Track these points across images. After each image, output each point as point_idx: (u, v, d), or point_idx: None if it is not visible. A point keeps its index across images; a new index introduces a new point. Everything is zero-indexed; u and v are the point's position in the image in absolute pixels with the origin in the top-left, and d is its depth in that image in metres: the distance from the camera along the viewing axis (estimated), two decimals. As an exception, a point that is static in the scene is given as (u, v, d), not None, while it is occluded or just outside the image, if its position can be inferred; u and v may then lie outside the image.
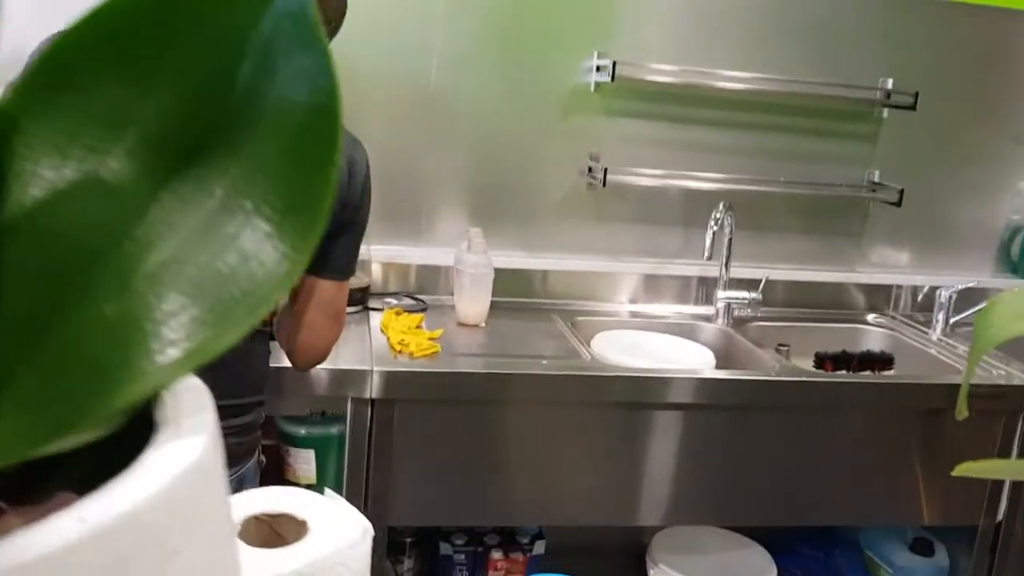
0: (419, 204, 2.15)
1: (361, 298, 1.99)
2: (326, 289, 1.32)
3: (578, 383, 1.70)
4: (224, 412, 1.13)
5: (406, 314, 1.93)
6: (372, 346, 1.75)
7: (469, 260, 1.95)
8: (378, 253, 2.10)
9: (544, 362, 1.74)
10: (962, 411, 0.48)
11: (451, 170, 2.14)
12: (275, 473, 1.82)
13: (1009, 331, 0.45)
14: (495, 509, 1.77)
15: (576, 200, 2.20)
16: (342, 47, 2.02)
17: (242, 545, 0.48)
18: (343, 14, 1.39)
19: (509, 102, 2.13)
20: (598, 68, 2.10)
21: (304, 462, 1.80)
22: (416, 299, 2.10)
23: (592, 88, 2.13)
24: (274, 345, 1.44)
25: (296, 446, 1.79)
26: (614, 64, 2.04)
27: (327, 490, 0.58)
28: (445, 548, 1.93)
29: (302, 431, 1.78)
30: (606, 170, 2.08)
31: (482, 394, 1.68)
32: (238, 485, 1.23)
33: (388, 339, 1.77)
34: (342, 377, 1.60)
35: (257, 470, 1.31)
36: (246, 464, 1.24)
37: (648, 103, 2.18)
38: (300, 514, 0.52)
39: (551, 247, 2.21)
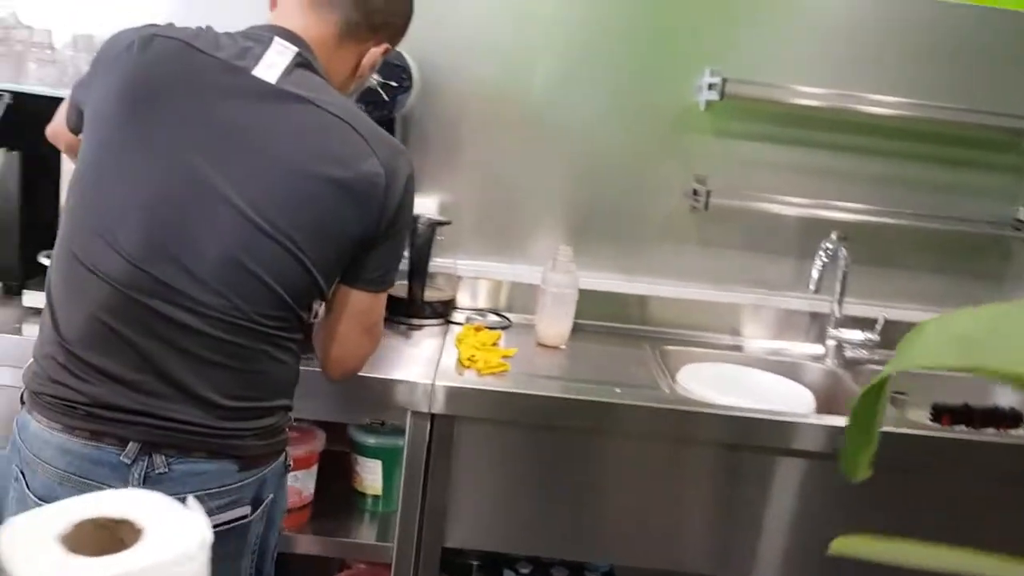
0: (515, 219, 2.10)
1: (443, 311, 1.95)
2: (359, 300, 1.29)
3: (649, 415, 1.60)
4: (244, 413, 1.10)
5: (486, 330, 1.88)
6: (441, 360, 1.71)
7: (553, 279, 1.89)
8: (467, 267, 2.07)
9: (617, 390, 1.65)
10: (857, 471, 0.38)
11: (549, 186, 2.08)
12: (344, 481, 1.81)
13: (936, 358, 0.35)
14: (561, 541, 1.68)
15: (678, 223, 2.09)
16: (442, 57, 2.03)
17: (61, 551, 0.44)
18: (404, 17, 1.36)
19: (613, 117, 2.05)
20: (710, 86, 1.99)
21: (371, 472, 1.78)
22: (502, 316, 2.04)
23: (702, 107, 2.02)
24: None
25: (364, 455, 1.78)
26: (724, 81, 1.93)
27: (190, 499, 0.53)
28: (509, 575, 1.86)
29: (370, 440, 1.76)
30: (709, 192, 1.97)
31: (545, 418, 1.60)
32: (259, 487, 1.21)
33: (459, 353, 1.72)
34: (403, 388, 1.57)
35: (283, 473, 1.29)
36: (269, 466, 1.22)
37: (760, 124, 2.05)
38: (139, 521, 0.47)
39: (649, 271, 2.11)
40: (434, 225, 1.88)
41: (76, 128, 1.24)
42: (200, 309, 1.12)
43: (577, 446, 1.62)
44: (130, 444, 1.11)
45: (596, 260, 2.09)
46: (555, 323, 1.89)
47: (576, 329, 1.96)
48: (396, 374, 1.59)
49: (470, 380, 1.62)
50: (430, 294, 1.93)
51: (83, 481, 1.11)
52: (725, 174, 2.04)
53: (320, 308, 1.29)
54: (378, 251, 1.25)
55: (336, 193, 1.16)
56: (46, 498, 1.12)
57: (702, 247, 2.11)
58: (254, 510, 1.21)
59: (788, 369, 1.96)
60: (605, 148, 2.06)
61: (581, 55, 2.02)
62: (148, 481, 1.11)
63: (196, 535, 0.47)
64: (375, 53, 1.32)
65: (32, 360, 1.18)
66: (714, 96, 1.96)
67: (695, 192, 2.05)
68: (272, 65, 1.17)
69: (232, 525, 1.18)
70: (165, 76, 1.16)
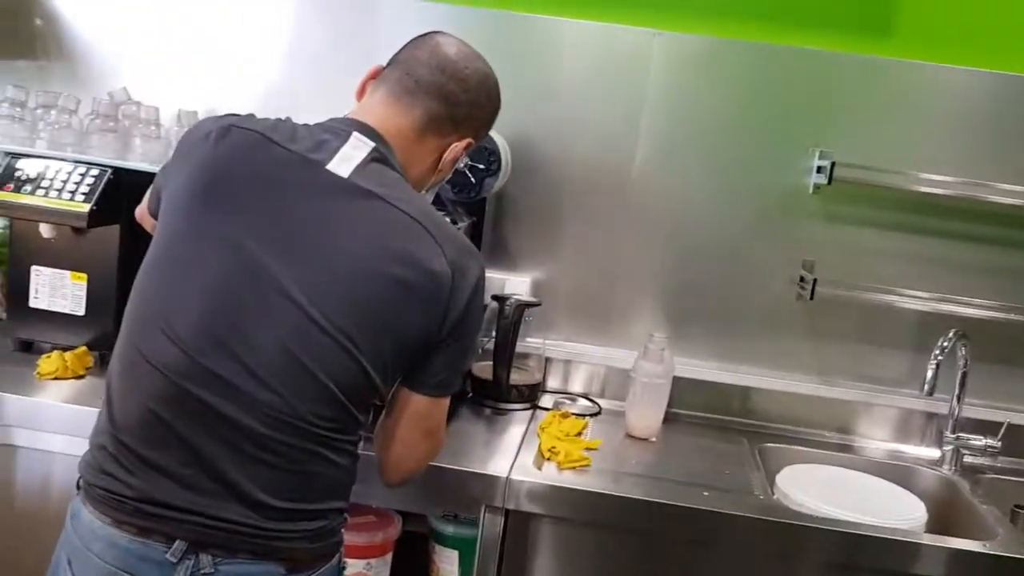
0: (610, 300, 2.03)
1: (530, 395, 1.89)
2: (420, 404, 1.24)
3: (740, 524, 1.48)
4: (293, 515, 1.04)
5: (572, 418, 1.81)
6: (521, 449, 1.64)
7: (644, 367, 1.80)
8: (559, 349, 2.00)
9: (705, 493, 1.54)
10: None
11: (646, 267, 2.01)
12: (422, 570, 1.76)
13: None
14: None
15: (783, 311, 1.98)
16: (538, 134, 1.99)
17: None
18: (489, 110, 1.34)
19: (715, 198, 1.97)
20: (818, 169, 1.89)
21: (448, 562, 1.72)
22: (592, 402, 1.96)
23: (810, 190, 1.92)
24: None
25: (442, 544, 1.72)
26: (832, 165, 1.82)
27: None
28: None
29: (448, 529, 1.70)
30: (815, 280, 1.86)
31: (624, 520, 1.51)
32: None
33: (540, 444, 1.65)
34: (477, 481, 1.51)
35: (338, 575, 1.24)
36: (319, 569, 1.17)
37: (872, 209, 1.93)
38: None
39: (749, 360, 2.00)
40: (523, 306, 1.83)
41: (155, 212, 1.25)
42: (253, 405, 1.09)
43: (659, 552, 1.52)
44: (176, 542, 1.09)
45: (694, 346, 1.99)
46: (645, 414, 1.80)
47: (670, 419, 1.86)
48: (473, 465, 1.53)
49: (548, 475, 1.54)
50: (517, 376, 1.88)
51: None
52: (834, 261, 1.92)
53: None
54: (441, 355, 1.20)
55: (399, 292, 1.13)
56: None
57: (808, 337, 1.98)
58: None
59: (899, 474, 1.80)
60: (706, 229, 1.98)
61: (683, 133, 1.96)
62: None
63: None
64: (457, 148, 1.29)
65: (88, 448, 1.17)
66: (822, 180, 1.86)
67: (801, 279, 1.93)
68: (346, 159, 1.16)
69: None
70: (238, 168, 1.16)
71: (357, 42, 1.96)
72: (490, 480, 1.50)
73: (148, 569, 1.09)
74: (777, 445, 1.86)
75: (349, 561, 1.58)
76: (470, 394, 1.88)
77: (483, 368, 1.86)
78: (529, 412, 1.87)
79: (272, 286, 1.10)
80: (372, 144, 1.19)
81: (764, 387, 1.97)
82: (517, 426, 1.78)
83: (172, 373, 1.09)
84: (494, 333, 1.82)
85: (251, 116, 1.22)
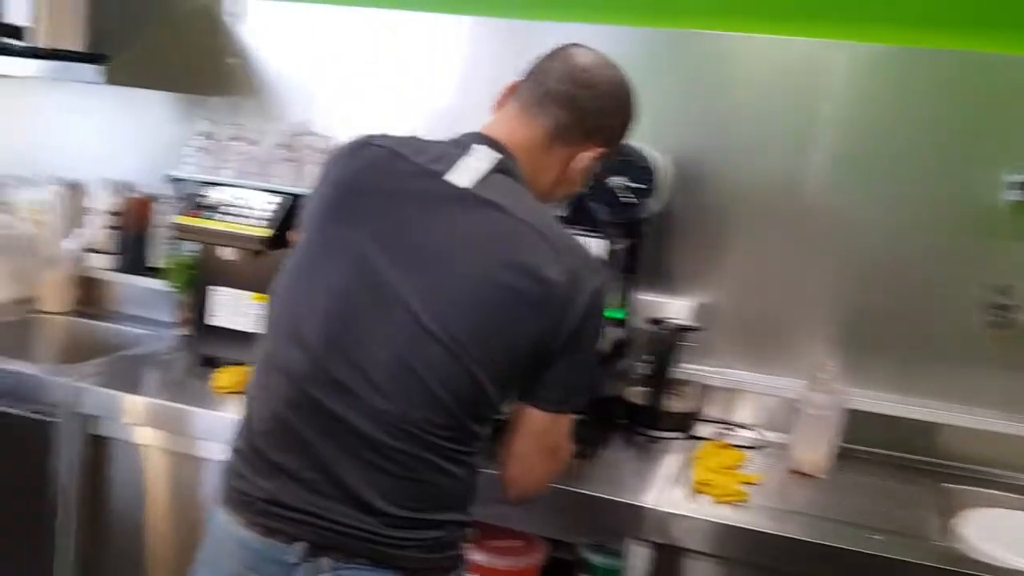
0: (778, 326, 1.92)
1: (684, 424, 1.82)
2: (537, 419, 1.22)
3: (914, 574, 1.36)
4: (408, 523, 1.05)
5: (731, 449, 1.72)
6: (672, 480, 1.58)
7: (812, 398, 1.69)
8: (719, 376, 1.92)
9: (876, 537, 1.42)
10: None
11: (819, 291, 1.89)
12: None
13: None
14: None
15: (974, 340, 1.80)
16: (706, 152, 1.92)
17: None
18: (621, 119, 1.31)
19: (897, 217, 1.83)
20: (1014, 185, 1.72)
21: (596, 591, 1.68)
22: (755, 433, 1.86)
23: (1006, 207, 1.74)
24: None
25: (589, 574, 1.68)
26: (1029, 179, 1.65)
27: None
28: None
29: (596, 559, 1.65)
30: (1015, 307, 1.68)
31: (782, 562, 1.41)
32: None
33: (694, 475, 1.58)
34: (623, 511, 1.46)
35: None
36: None
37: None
38: None
39: (933, 393, 1.83)
40: (680, 330, 1.77)
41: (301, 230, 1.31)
42: (369, 411, 1.11)
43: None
44: (298, 543, 1.11)
45: (870, 376, 1.85)
46: (811, 448, 1.69)
47: (842, 455, 1.73)
48: (621, 494, 1.49)
49: (700, 508, 1.47)
50: (673, 404, 1.81)
51: None
52: (1032, 286, 1.74)
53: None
54: (558, 367, 1.18)
55: (512, 299, 1.12)
56: None
57: (1002, 369, 1.79)
58: None
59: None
60: (886, 251, 1.84)
61: (861, 148, 1.83)
62: None
63: None
64: (586, 157, 1.27)
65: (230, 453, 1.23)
66: (1019, 196, 1.68)
67: (996, 305, 1.76)
68: (467, 169, 1.17)
69: None
70: (367, 181, 1.19)
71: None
72: (636, 510, 1.45)
73: (273, 569, 1.12)
74: (962, 487, 1.69)
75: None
76: (624, 421, 1.83)
77: (637, 394, 1.81)
78: (685, 442, 1.79)
79: (390, 295, 1.12)
80: (496, 155, 1.20)
81: (950, 423, 1.80)
82: (671, 455, 1.71)
83: (297, 377, 1.14)
84: (650, 358, 1.77)
85: (385, 135, 1.25)
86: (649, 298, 1.91)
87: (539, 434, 1.23)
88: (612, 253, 1.59)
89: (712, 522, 1.44)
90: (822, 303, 1.89)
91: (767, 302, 1.92)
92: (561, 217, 1.63)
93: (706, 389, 1.91)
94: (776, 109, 1.87)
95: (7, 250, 2.24)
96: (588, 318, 1.16)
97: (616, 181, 1.60)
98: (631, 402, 1.82)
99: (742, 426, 1.89)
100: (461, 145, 1.21)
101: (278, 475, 1.14)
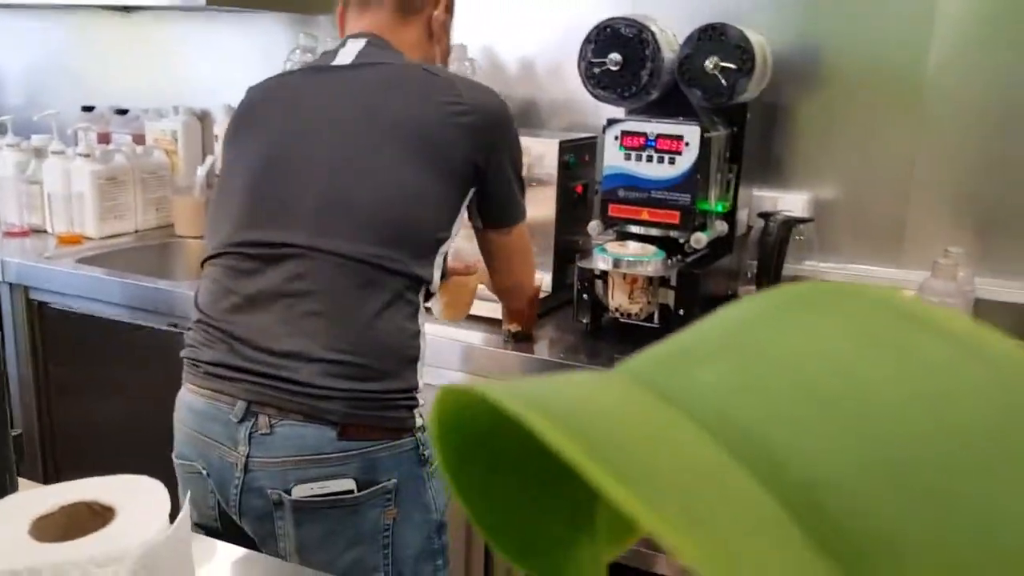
0: (902, 218, 1.81)
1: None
2: (494, 239, 1.33)
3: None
4: (340, 370, 1.11)
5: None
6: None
7: (932, 286, 1.59)
8: (838, 271, 1.83)
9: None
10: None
11: (946, 178, 1.76)
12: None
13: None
14: None
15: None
16: (817, 31, 1.81)
17: (26, 535, 0.44)
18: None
19: (1020, 99, 1.67)
20: None
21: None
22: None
23: None
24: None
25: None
26: None
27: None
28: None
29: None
30: None
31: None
32: (369, 465, 1.15)
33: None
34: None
35: (418, 463, 1.20)
36: (383, 444, 1.15)
37: None
38: (116, 506, 0.46)
39: (1075, 280, 1.69)
40: (789, 223, 1.69)
41: None
42: (301, 253, 1.15)
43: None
44: (238, 403, 1.14)
45: (1005, 265, 1.72)
46: (932, 339, 1.59)
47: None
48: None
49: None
50: (787, 300, 1.74)
51: (203, 439, 1.18)
52: None
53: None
54: (484, 192, 1.25)
55: (420, 133, 1.18)
56: (179, 457, 1.23)
57: None
58: (361, 488, 1.15)
59: None
60: (1014, 130, 1.69)
61: (986, 21, 1.68)
62: (253, 441, 1.14)
63: (160, 521, 0.45)
64: (439, 16, 1.34)
65: None
66: None
67: None
68: (348, 54, 1.27)
69: (334, 500, 1.14)
70: (260, 100, 1.30)
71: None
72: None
73: (217, 430, 1.16)
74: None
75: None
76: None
77: (749, 292, 1.75)
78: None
79: (305, 154, 1.21)
80: (366, 38, 1.28)
81: (1095, 312, 1.66)
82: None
83: (227, 245, 1.21)
84: (757, 252, 1.71)
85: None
86: (760, 193, 1.84)
87: (505, 252, 1.34)
88: (706, 141, 1.52)
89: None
90: (950, 192, 1.76)
91: (890, 194, 1.80)
92: (654, 103, 1.58)
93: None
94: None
95: (146, 180, 2.39)
96: (495, 146, 1.22)
97: (709, 62, 1.52)
98: (741, 298, 1.76)
99: (862, 322, 1.81)
100: (340, 43, 1.31)
101: (218, 337, 1.18)
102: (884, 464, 0.16)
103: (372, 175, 1.18)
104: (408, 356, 1.19)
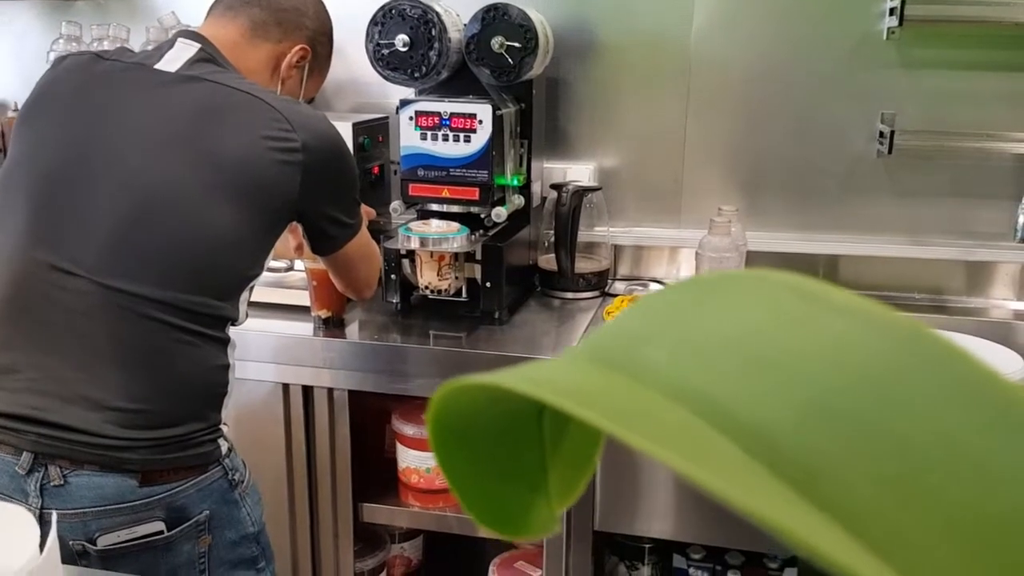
0: (678, 180, 1.95)
1: (597, 283, 1.85)
2: (331, 261, 1.32)
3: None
4: (139, 418, 1.01)
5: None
6: (587, 334, 1.62)
7: (710, 243, 1.73)
8: (626, 234, 1.95)
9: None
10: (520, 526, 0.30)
11: (715, 140, 1.91)
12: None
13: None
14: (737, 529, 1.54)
15: (864, 171, 1.85)
16: (589, 10, 1.91)
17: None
18: (316, 20, 1.35)
19: (781, 57, 1.84)
20: (890, 11, 1.74)
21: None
22: (663, 285, 1.91)
23: (884, 36, 1.77)
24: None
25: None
26: (902, 3, 1.67)
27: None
28: (679, 561, 1.75)
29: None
30: (892, 133, 1.73)
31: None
32: (179, 503, 1.10)
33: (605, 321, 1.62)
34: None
35: (228, 489, 1.15)
36: (190, 480, 1.10)
37: (956, 49, 1.77)
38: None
39: (832, 226, 1.89)
40: (580, 192, 1.78)
41: None
42: (91, 295, 1.05)
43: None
44: (24, 455, 1.04)
45: (771, 218, 1.90)
46: (715, 290, 1.73)
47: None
48: (542, 353, 1.52)
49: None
50: (583, 265, 1.84)
51: None
52: (917, 112, 1.78)
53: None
54: (310, 222, 1.22)
55: (239, 170, 1.11)
56: None
57: (893, 196, 1.85)
58: (172, 527, 1.09)
59: (997, 331, 1.68)
60: (774, 92, 1.86)
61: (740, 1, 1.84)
62: (46, 493, 1.04)
63: (31, 549, 0.43)
64: (291, 58, 1.31)
65: None
66: (894, 22, 1.71)
67: (881, 134, 1.80)
68: (174, 60, 1.18)
69: (144, 543, 1.08)
70: (57, 87, 1.19)
71: None
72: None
73: (4, 481, 1.06)
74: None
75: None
76: (538, 287, 1.86)
77: (548, 260, 1.83)
78: (598, 300, 1.83)
79: (99, 174, 1.10)
80: (198, 45, 1.21)
81: (848, 253, 1.87)
82: (584, 314, 1.75)
83: (8, 270, 1.09)
84: (552, 222, 1.79)
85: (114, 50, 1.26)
86: (549, 165, 1.92)
87: (342, 264, 1.32)
88: (499, 118, 1.57)
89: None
90: (719, 153, 1.92)
91: (667, 158, 1.94)
92: (443, 83, 1.61)
93: (617, 249, 1.95)
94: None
95: None
96: (305, 184, 1.15)
97: (495, 42, 1.57)
98: (543, 268, 1.84)
99: (654, 280, 1.94)
100: (169, 42, 1.22)
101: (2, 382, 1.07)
102: (814, 406, 0.21)
103: (178, 211, 1.08)
104: (214, 394, 1.15)
